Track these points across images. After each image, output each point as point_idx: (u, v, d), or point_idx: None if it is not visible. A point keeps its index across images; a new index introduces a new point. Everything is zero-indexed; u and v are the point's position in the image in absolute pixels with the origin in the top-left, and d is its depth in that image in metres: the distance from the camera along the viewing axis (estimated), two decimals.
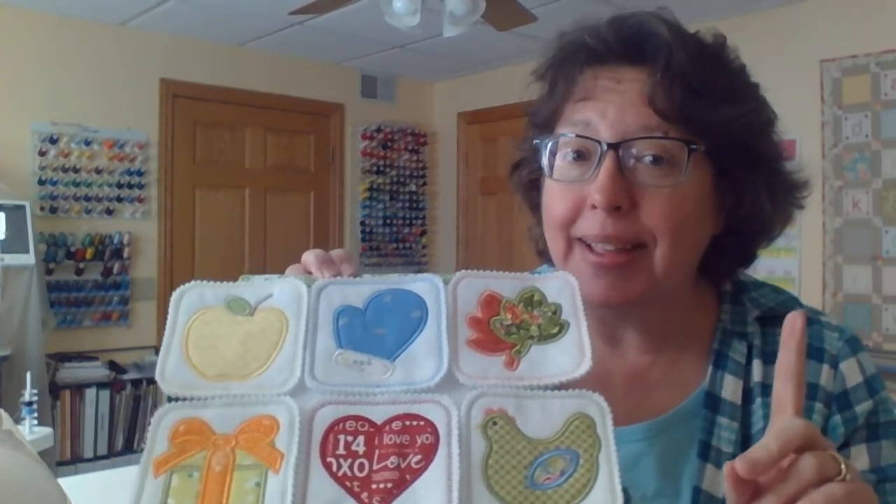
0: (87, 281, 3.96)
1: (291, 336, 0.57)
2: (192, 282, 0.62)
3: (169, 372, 0.56)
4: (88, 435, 3.80)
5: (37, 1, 3.70)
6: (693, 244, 0.72)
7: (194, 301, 0.60)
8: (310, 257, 0.64)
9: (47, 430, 2.73)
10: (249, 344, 0.57)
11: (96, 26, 3.99)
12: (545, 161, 0.73)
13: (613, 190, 0.67)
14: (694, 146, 0.68)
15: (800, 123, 3.45)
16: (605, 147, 0.68)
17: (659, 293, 0.72)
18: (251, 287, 0.61)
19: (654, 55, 0.69)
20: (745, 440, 0.72)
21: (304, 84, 4.74)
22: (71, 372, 3.74)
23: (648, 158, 0.68)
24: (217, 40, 4.33)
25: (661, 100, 0.67)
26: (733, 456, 0.70)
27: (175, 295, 0.60)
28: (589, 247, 0.70)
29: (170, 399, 0.55)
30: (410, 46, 4.43)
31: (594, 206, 0.68)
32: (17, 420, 2.52)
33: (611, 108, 0.69)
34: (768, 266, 3.58)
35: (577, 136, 0.70)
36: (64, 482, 0.98)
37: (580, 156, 0.70)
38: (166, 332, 0.58)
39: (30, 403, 2.60)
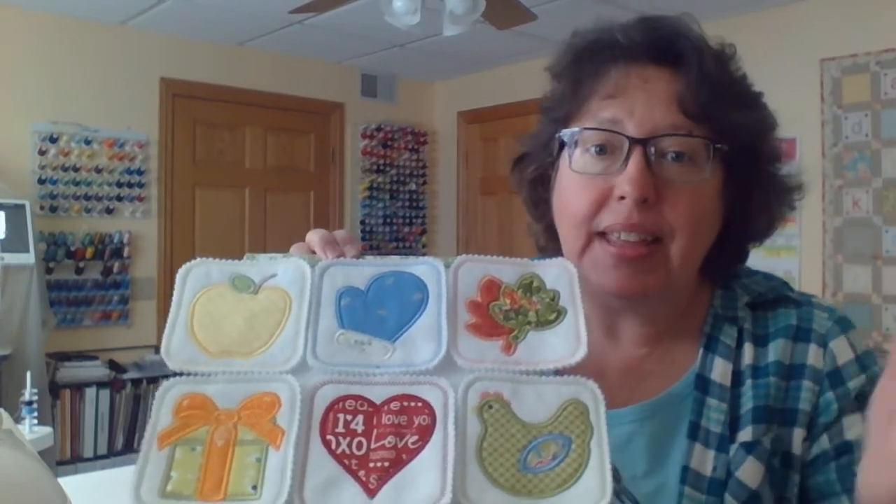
0: (87, 280, 3.96)
1: (294, 315, 0.58)
2: (198, 258, 0.63)
3: (174, 348, 0.57)
4: (88, 435, 3.80)
5: (37, 1, 3.70)
6: (705, 240, 0.75)
7: (200, 278, 0.61)
8: (314, 237, 0.65)
9: (47, 429, 2.72)
10: (253, 322, 0.58)
11: (96, 26, 3.99)
12: (566, 153, 0.75)
13: (643, 182, 0.69)
14: (718, 145, 0.71)
15: (800, 123, 3.45)
16: (632, 143, 0.70)
17: (670, 287, 0.74)
18: (256, 266, 0.63)
19: (686, 58, 0.72)
20: (733, 421, 0.74)
21: (304, 83, 4.74)
22: (71, 371, 3.74)
23: (672, 155, 0.71)
24: (217, 40, 4.33)
25: (689, 100, 0.71)
26: (721, 436, 0.73)
27: (181, 271, 0.61)
28: (608, 241, 0.72)
29: (174, 374, 0.56)
30: (410, 46, 4.43)
31: (622, 198, 0.70)
32: (17, 420, 2.52)
33: (638, 105, 0.71)
34: (768, 266, 3.55)
35: (605, 130, 0.72)
36: (64, 482, 0.98)
37: (603, 150, 0.72)
38: (172, 308, 0.59)
39: (30, 403, 2.60)
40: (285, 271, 0.62)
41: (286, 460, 0.50)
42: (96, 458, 3.80)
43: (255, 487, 0.49)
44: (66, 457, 3.73)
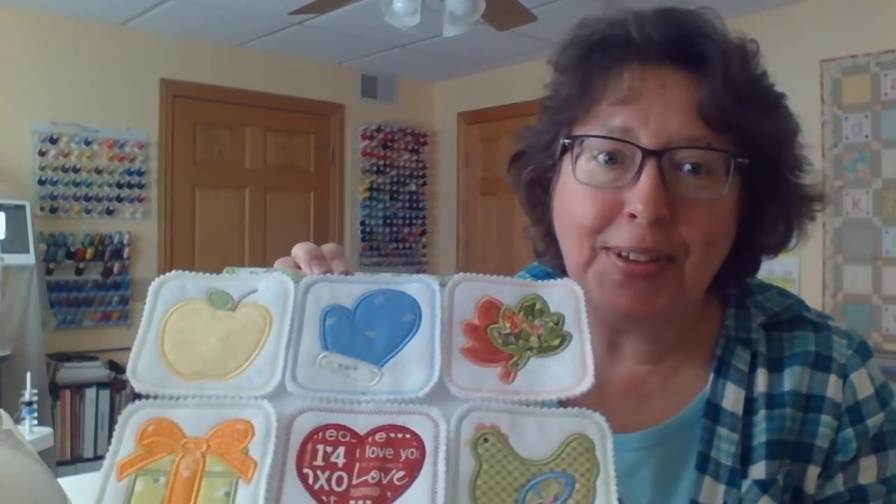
0: (87, 281, 3.96)
1: (274, 335, 0.54)
2: (174, 271, 0.58)
3: (141, 368, 0.53)
4: (88, 435, 3.80)
5: (37, 1, 3.70)
6: (719, 257, 0.69)
7: (174, 292, 0.57)
8: (299, 251, 0.61)
9: (47, 430, 2.72)
10: (229, 341, 0.54)
11: (96, 26, 3.99)
12: (569, 160, 0.68)
13: (658, 201, 0.63)
14: (740, 159, 0.65)
15: (800, 123, 3.44)
16: (645, 154, 0.63)
17: (680, 306, 0.69)
18: (235, 280, 0.58)
19: (710, 61, 0.65)
20: (745, 453, 0.70)
21: (304, 84, 4.74)
22: (71, 372, 3.74)
23: (688, 167, 0.64)
24: (217, 40, 4.33)
25: (710, 109, 0.64)
26: (732, 470, 0.68)
27: (154, 285, 0.57)
28: (618, 254, 0.66)
29: (138, 397, 0.52)
30: (410, 46, 4.42)
31: (633, 216, 0.64)
32: (17, 420, 2.52)
33: (654, 113, 0.64)
34: (768, 266, 3.54)
35: (616, 139, 0.65)
36: (64, 482, 0.98)
37: (612, 159, 0.66)
38: (142, 325, 0.55)
39: (30, 403, 2.60)
40: (267, 287, 0.57)
41: (257, 496, 0.45)
42: (96, 458, 3.80)
43: None
44: (66, 457, 3.73)
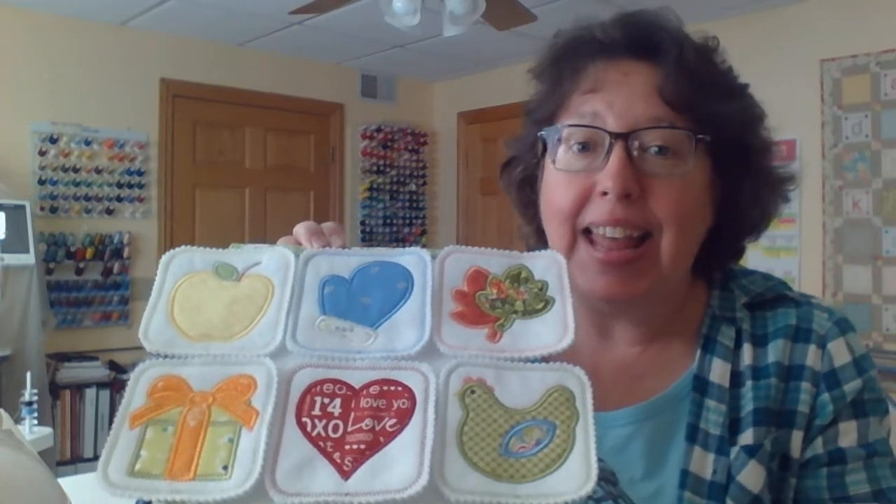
0: (87, 281, 3.97)
1: (276, 302, 0.58)
2: (182, 246, 0.62)
3: (152, 331, 0.57)
4: (88, 435, 3.81)
5: (37, 1, 3.70)
6: (695, 235, 0.74)
7: (183, 265, 0.61)
8: (300, 229, 0.65)
9: (47, 430, 2.73)
10: (234, 308, 0.58)
11: (96, 26, 3.99)
12: (549, 152, 0.75)
13: (625, 176, 0.68)
14: (700, 136, 0.70)
15: (800, 123, 3.45)
16: (613, 137, 0.70)
17: (662, 288, 0.73)
18: (240, 254, 0.62)
19: (665, 49, 0.71)
20: (732, 423, 0.73)
21: (304, 84, 4.74)
22: (71, 372, 3.75)
23: (654, 149, 0.70)
24: (217, 40, 4.34)
25: (670, 91, 0.70)
26: (720, 439, 0.72)
27: (164, 258, 0.61)
28: (593, 243, 0.72)
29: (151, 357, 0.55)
30: (410, 46, 4.43)
31: (604, 193, 0.70)
32: (17, 420, 2.52)
33: (618, 99, 0.71)
34: (768, 266, 3.58)
35: (585, 126, 0.72)
36: (64, 482, 0.99)
37: (585, 147, 0.72)
38: (153, 294, 0.59)
39: (30, 403, 2.60)
40: (269, 260, 0.61)
41: (259, 441, 0.49)
42: (96, 458, 3.78)
43: (225, 468, 0.48)
44: (66, 457, 3.74)
